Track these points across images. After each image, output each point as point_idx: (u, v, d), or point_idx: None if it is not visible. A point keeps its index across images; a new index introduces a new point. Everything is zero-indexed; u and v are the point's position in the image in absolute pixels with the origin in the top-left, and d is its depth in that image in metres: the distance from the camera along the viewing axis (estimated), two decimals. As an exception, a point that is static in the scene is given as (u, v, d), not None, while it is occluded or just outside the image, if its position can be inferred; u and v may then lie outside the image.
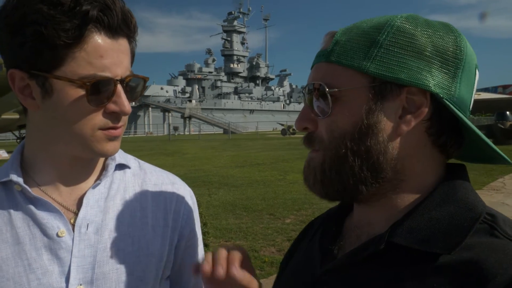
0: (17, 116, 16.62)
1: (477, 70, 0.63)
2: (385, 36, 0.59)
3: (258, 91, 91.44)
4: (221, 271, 0.68)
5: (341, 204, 0.77)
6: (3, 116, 16.27)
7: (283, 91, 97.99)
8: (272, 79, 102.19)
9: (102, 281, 0.79)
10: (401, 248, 0.57)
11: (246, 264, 0.72)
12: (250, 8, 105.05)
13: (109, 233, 0.82)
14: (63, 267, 0.76)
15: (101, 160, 0.88)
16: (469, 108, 0.63)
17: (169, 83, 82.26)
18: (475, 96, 0.65)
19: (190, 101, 73.85)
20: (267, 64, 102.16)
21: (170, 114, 68.00)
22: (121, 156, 0.91)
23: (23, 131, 20.13)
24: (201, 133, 45.99)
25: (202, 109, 71.52)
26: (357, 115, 0.60)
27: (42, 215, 0.78)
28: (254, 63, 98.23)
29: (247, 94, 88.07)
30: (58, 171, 0.81)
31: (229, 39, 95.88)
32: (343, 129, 0.61)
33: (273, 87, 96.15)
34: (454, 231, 0.56)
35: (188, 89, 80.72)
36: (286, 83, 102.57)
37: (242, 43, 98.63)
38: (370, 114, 0.59)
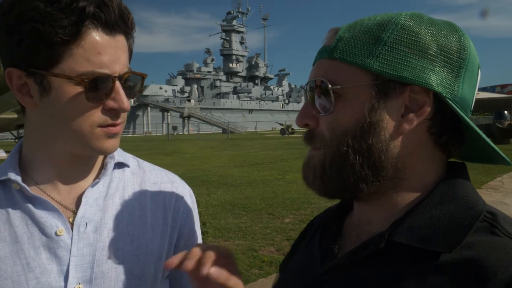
0: (15, 115, 16.57)
1: (479, 70, 0.63)
2: (389, 34, 0.59)
3: (257, 90, 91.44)
4: (188, 265, 0.66)
5: (341, 203, 0.77)
6: (1, 116, 16.22)
7: (282, 90, 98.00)
8: (271, 78, 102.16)
9: (101, 280, 0.78)
10: (401, 247, 0.57)
11: (228, 264, 0.70)
12: (249, 8, 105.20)
13: (108, 232, 0.81)
14: (61, 266, 0.76)
15: (100, 158, 0.88)
16: (471, 108, 0.63)
17: (168, 82, 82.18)
18: None
19: (189, 100, 73.85)
20: (266, 63, 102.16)
21: (169, 114, 68.01)
22: (120, 155, 0.90)
23: (21, 130, 20.08)
24: (200, 132, 45.98)
25: (201, 108, 71.48)
26: (359, 113, 0.60)
27: (41, 214, 0.77)
28: (253, 62, 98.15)
29: (246, 94, 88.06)
30: (56, 170, 0.81)
31: (228, 38, 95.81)
32: (345, 127, 0.60)
33: (272, 87, 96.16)
34: (454, 230, 0.56)
35: (187, 88, 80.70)
36: (285, 82, 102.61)
37: (241, 43, 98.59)
38: (372, 112, 0.59)
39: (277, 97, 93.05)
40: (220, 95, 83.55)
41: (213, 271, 0.66)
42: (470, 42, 0.61)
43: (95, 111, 0.74)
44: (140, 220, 0.86)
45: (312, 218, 0.85)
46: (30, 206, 0.77)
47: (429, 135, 0.61)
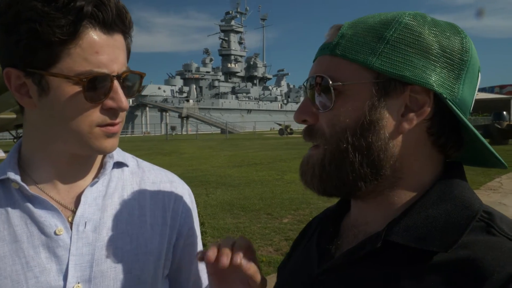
0: (14, 115, 16.52)
1: (479, 73, 0.63)
2: (392, 32, 0.59)
3: (255, 91, 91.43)
4: (225, 260, 0.67)
5: (339, 204, 0.77)
6: (0, 116, 16.16)
7: (280, 91, 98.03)
8: (269, 79, 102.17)
9: (100, 279, 0.78)
10: (398, 246, 0.57)
11: (251, 257, 0.71)
12: (248, 8, 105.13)
13: (107, 231, 0.82)
14: (61, 265, 0.76)
15: (99, 158, 0.88)
16: (470, 110, 0.63)
17: (167, 82, 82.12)
18: None
19: (188, 100, 73.75)
20: (265, 64, 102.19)
21: (167, 114, 67.92)
22: (119, 154, 0.90)
23: (20, 130, 20.03)
24: (199, 133, 45.87)
25: (200, 108, 71.38)
26: (359, 110, 0.60)
27: (40, 213, 0.77)
28: (251, 62, 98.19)
29: (244, 94, 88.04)
30: (56, 169, 0.81)
31: (226, 38, 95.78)
32: (345, 124, 0.60)
33: (270, 87, 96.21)
34: (450, 229, 0.56)
35: (186, 88, 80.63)
36: (283, 83, 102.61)
37: (240, 43, 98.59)
38: (373, 110, 0.59)
39: (276, 97, 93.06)
40: (218, 95, 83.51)
41: (242, 261, 0.69)
42: (472, 45, 0.61)
43: (94, 110, 0.74)
44: (139, 219, 0.86)
45: (310, 218, 0.85)
46: (29, 205, 0.77)
47: (428, 136, 0.61)
